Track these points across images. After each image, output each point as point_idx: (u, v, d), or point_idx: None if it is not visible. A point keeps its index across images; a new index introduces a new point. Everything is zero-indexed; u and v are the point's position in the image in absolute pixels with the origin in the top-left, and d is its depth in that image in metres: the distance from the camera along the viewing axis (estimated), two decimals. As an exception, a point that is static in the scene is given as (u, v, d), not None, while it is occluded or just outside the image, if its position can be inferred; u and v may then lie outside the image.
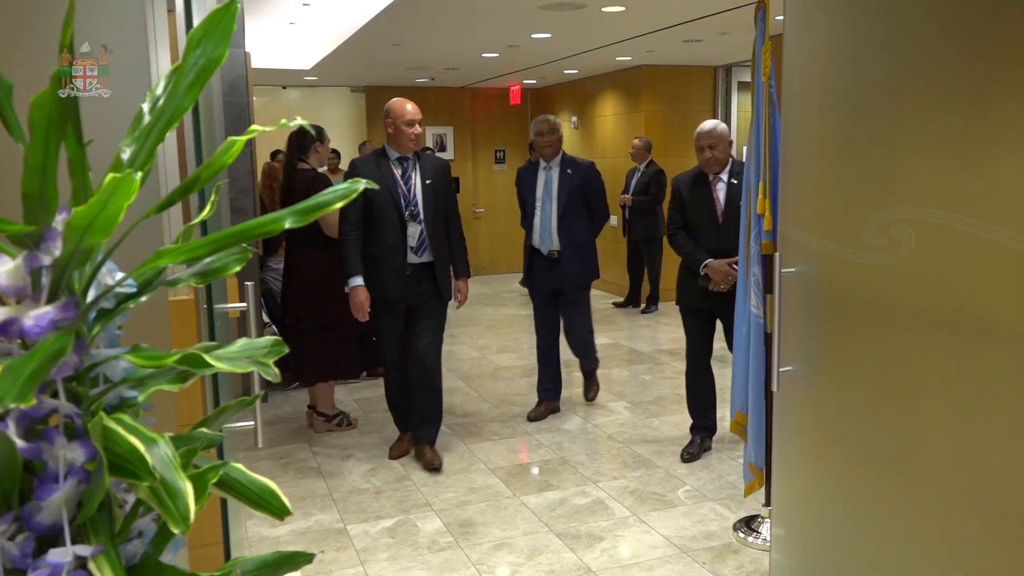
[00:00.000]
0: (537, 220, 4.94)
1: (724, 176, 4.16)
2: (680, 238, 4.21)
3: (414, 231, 4.14)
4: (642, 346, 7.06)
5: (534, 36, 7.42)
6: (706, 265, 4.06)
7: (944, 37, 2.20)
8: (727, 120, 9.59)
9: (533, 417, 5.10)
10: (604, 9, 6.01)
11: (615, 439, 4.75)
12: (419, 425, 4.36)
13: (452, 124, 11.83)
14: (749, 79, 3.76)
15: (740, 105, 9.59)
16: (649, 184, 8.27)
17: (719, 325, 4.33)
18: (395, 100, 4.25)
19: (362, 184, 0.99)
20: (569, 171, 4.90)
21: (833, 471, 2.66)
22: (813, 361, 2.67)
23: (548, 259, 4.93)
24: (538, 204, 4.93)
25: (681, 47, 8.03)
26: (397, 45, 7.96)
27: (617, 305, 8.99)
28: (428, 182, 4.19)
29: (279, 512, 0.99)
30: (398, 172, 4.19)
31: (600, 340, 7.61)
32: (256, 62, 6.38)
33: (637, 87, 9.61)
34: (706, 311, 4.25)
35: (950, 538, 2.29)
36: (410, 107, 4.20)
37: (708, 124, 4.22)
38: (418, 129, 4.17)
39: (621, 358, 6.59)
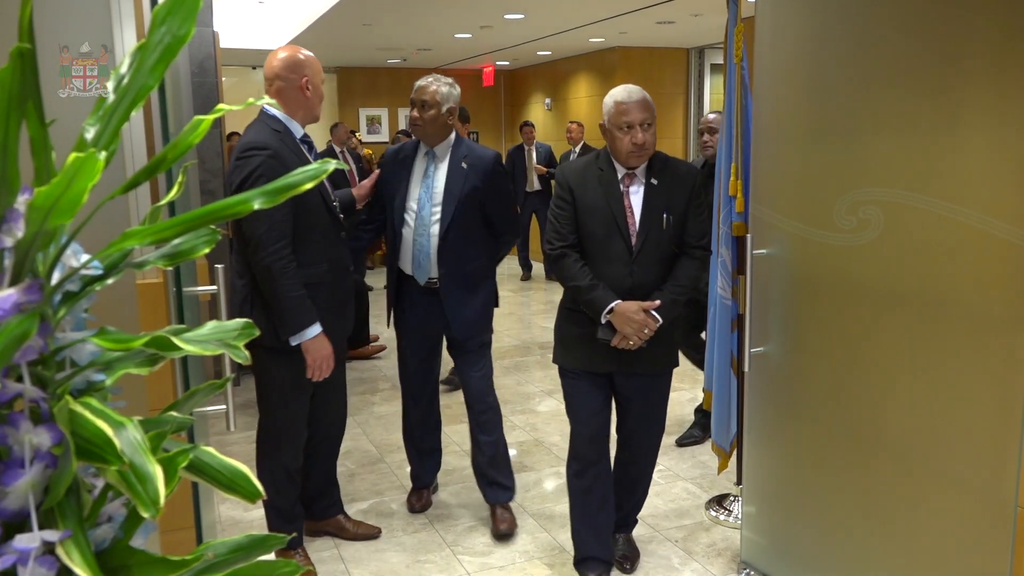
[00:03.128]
0: (408, 232, 3.23)
1: (640, 174, 2.72)
2: (569, 262, 2.67)
3: (344, 240, 3.04)
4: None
5: (507, 17, 7.37)
6: (611, 311, 2.60)
7: (909, 23, 2.22)
8: (699, 102, 9.62)
9: (418, 508, 3.59)
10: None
11: (589, 420, 4.78)
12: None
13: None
14: (722, 61, 3.75)
15: (713, 87, 9.62)
16: None
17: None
18: (302, 50, 2.87)
19: (332, 164, 0.98)
20: (464, 165, 3.21)
21: (803, 449, 2.70)
22: (783, 341, 2.70)
23: (427, 291, 3.27)
24: (410, 207, 3.22)
25: (654, 29, 8.03)
26: (368, 25, 7.88)
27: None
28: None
29: (251, 495, 0.98)
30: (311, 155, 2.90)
31: (574, 322, 7.65)
32: (225, 42, 6.28)
33: (611, 69, 9.61)
34: (602, 376, 2.81)
35: (914, 508, 2.34)
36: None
37: (628, 91, 2.71)
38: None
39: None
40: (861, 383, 2.45)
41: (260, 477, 2.92)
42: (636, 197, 2.71)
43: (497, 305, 3.44)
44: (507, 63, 11.50)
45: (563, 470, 4.00)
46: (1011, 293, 2.03)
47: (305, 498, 3.19)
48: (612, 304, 2.62)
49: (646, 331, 2.63)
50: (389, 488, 3.85)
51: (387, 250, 3.42)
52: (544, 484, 3.89)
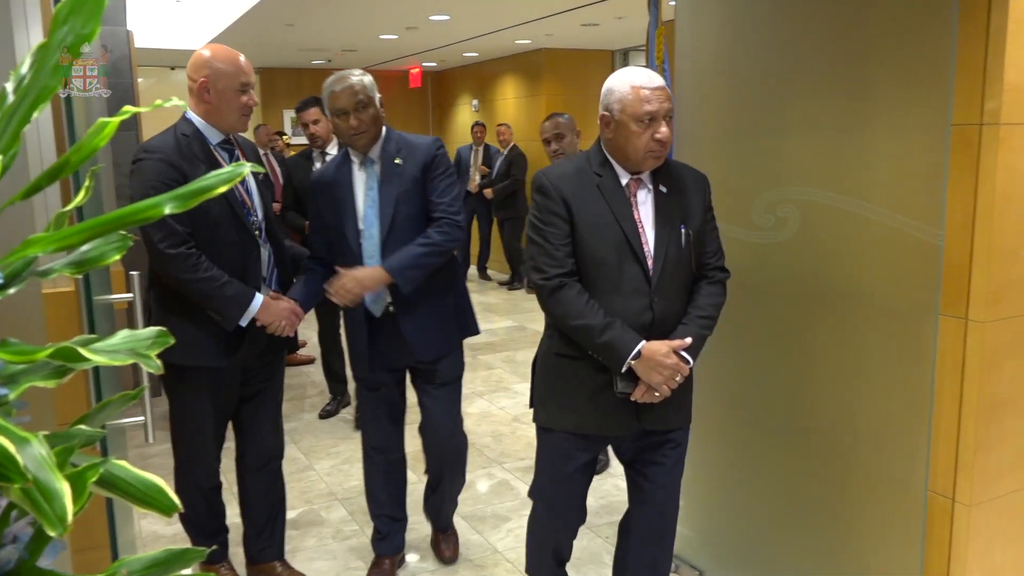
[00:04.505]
0: (371, 264, 2.74)
1: (647, 180, 2.16)
2: (571, 296, 2.08)
3: (264, 254, 2.66)
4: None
5: (433, 18, 7.35)
6: (637, 355, 2.06)
7: (822, 28, 2.29)
8: (625, 104, 9.75)
9: None
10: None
11: (520, 420, 4.79)
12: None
13: (351, 107, 11.59)
14: (645, 63, 3.81)
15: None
16: (511, 167, 8.64)
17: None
18: (217, 48, 2.56)
19: (247, 166, 0.95)
20: (399, 160, 2.75)
21: (729, 443, 2.77)
22: (713, 340, 2.76)
23: (385, 322, 2.82)
24: (363, 227, 2.75)
25: (579, 31, 8.11)
26: (291, 25, 7.74)
27: (503, 284, 9.12)
28: (260, 176, 2.76)
29: (167, 509, 0.96)
30: (227, 164, 2.59)
31: (504, 323, 7.70)
32: (141, 41, 6.09)
33: (537, 70, 9.66)
34: (598, 441, 2.28)
35: (835, 497, 2.42)
36: (243, 61, 2.57)
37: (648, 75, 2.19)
38: (253, 100, 2.60)
39: (525, 339, 6.63)
40: (782, 377, 2.52)
41: (176, 491, 2.79)
42: (646, 209, 2.13)
43: (476, 332, 3.00)
44: (434, 64, 11.45)
45: (494, 471, 4.02)
46: (920, 287, 2.11)
47: (243, 536, 2.98)
48: (638, 347, 2.06)
49: (678, 378, 2.09)
50: (318, 496, 3.79)
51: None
52: (477, 486, 3.88)
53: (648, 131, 2.05)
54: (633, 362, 2.05)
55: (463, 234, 2.83)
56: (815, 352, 2.41)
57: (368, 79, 2.76)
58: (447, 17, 7.30)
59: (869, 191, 2.20)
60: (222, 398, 2.70)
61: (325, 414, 4.87)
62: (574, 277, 2.11)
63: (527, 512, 3.53)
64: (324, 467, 4.13)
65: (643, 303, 2.10)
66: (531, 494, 2.46)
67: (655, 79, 2.08)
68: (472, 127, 9.28)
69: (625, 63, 9.71)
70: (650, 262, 2.11)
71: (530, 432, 4.55)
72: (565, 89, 9.52)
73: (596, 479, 3.87)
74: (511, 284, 9.04)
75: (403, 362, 2.90)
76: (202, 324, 2.55)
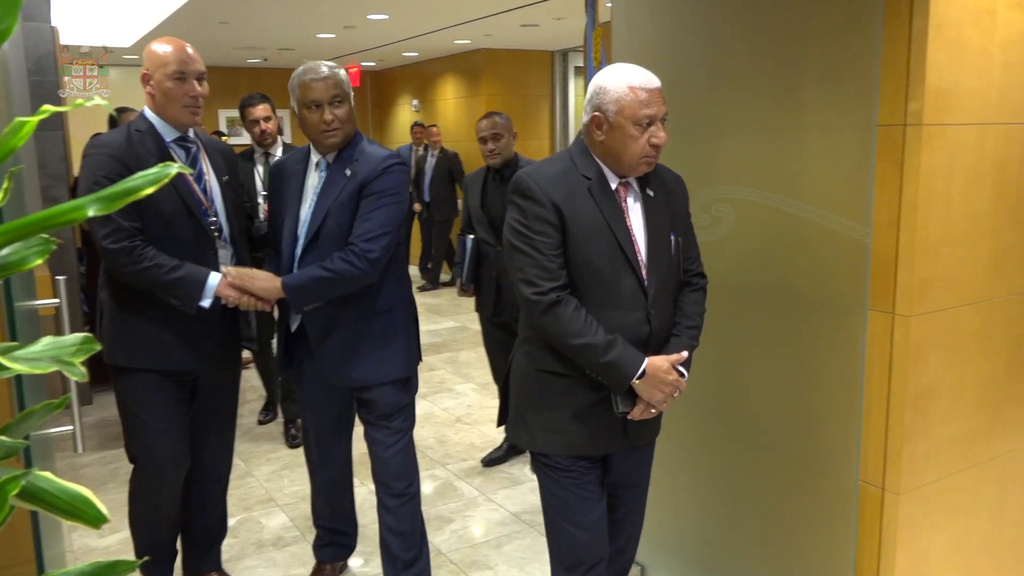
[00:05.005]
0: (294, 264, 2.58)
1: (634, 184, 2.04)
2: (568, 312, 1.92)
3: (224, 255, 2.56)
4: (489, 328, 7.12)
5: (371, 17, 7.29)
6: (642, 373, 1.94)
7: (753, 29, 2.34)
8: (564, 104, 9.82)
9: None
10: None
11: (463, 421, 4.79)
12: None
13: (288, 108, 11.43)
14: (583, 64, 3.84)
15: (577, 90, 9.84)
16: (451, 170, 8.60)
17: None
18: (161, 39, 2.45)
19: (174, 167, 0.93)
20: (348, 171, 2.50)
21: (669, 437, 2.80)
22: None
23: (304, 338, 2.63)
24: (300, 233, 2.55)
25: (519, 31, 8.14)
26: (225, 23, 7.59)
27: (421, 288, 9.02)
28: (225, 179, 2.60)
29: (94, 520, 0.93)
30: (183, 161, 2.50)
31: (446, 324, 7.67)
32: (67, 38, 5.89)
33: (477, 70, 9.66)
34: (597, 460, 2.11)
35: (771, 489, 2.47)
36: (190, 51, 2.44)
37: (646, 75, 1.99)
38: (201, 90, 2.46)
39: (468, 340, 6.62)
40: (717, 372, 2.57)
41: (131, 515, 2.64)
42: (635, 215, 2.01)
43: (419, 358, 2.73)
44: (373, 64, 11.36)
45: (438, 472, 4.00)
46: (850, 283, 2.18)
47: (181, 545, 2.84)
48: (643, 365, 1.94)
49: (676, 394, 2.02)
50: (258, 503, 3.72)
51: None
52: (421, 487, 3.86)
53: (645, 135, 1.92)
54: (637, 381, 1.94)
55: (372, 269, 2.44)
56: (749, 347, 2.46)
57: (344, 73, 2.54)
58: (385, 16, 7.25)
59: (800, 190, 2.26)
60: (180, 407, 2.54)
61: (262, 421, 4.77)
62: (568, 290, 1.93)
63: (471, 513, 3.55)
64: (263, 473, 4.06)
65: (640, 316, 1.99)
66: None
67: (653, 79, 1.95)
68: (411, 127, 9.24)
69: (565, 64, 9.77)
70: (644, 272, 1.98)
71: (473, 433, 4.55)
72: (505, 89, 9.55)
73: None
74: (423, 286, 9.02)
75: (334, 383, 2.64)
76: (156, 325, 2.44)
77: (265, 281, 2.47)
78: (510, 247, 1.97)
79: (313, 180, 2.55)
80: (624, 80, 1.93)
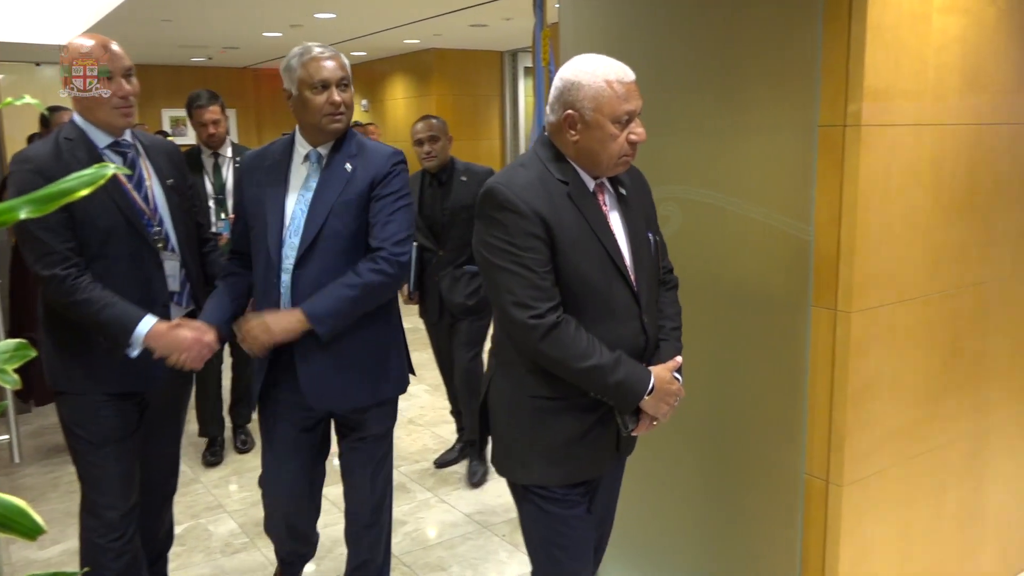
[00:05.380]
0: (287, 276, 2.28)
1: (607, 183, 1.91)
2: (570, 333, 1.76)
3: (172, 267, 2.35)
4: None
5: (318, 16, 7.21)
6: (651, 389, 1.83)
7: (699, 31, 2.37)
8: (514, 104, 9.84)
9: None
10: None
11: (416, 423, 4.76)
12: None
13: (235, 107, 11.27)
14: (532, 64, 3.84)
15: (526, 90, 9.87)
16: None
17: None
18: (83, 35, 2.27)
19: (111, 168, 0.90)
20: (349, 166, 2.27)
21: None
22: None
23: (279, 360, 2.34)
24: (287, 235, 2.28)
25: (468, 31, 8.13)
26: (168, 21, 7.44)
27: None
28: (170, 182, 2.39)
29: (30, 532, 0.90)
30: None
31: (399, 325, 7.58)
32: (0, 34, 5.70)
33: (427, 70, 9.63)
34: (581, 486, 1.96)
35: (719, 484, 2.51)
36: (115, 47, 2.23)
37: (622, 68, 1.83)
38: (131, 87, 2.25)
39: (419, 341, 6.58)
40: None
41: (82, 542, 2.41)
42: (615, 218, 1.88)
43: (411, 372, 2.55)
44: (321, 63, 11.23)
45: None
46: (793, 279, 2.22)
47: None
48: (652, 381, 1.82)
49: (676, 403, 1.91)
50: (206, 510, 3.65)
51: (257, 304, 2.37)
52: (372, 491, 3.83)
53: (625, 132, 1.78)
54: (647, 397, 1.81)
55: (403, 275, 2.29)
56: (696, 344, 2.50)
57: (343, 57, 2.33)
58: (332, 16, 7.18)
59: (745, 189, 2.30)
60: (126, 427, 2.34)
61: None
62: (562, 309, 1.77)
63: (423, 515, 3.53)
64: (211, 479, 3.98)
65: (635, 326, 1.86)
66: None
67: (628, 71, 1.80)
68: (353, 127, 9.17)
69: (514, 64, 9.79)
70: (632, 277, 1.86)
71: (426, 434, 4.53)
72: (455, 89, 9.53)
73: (493, 479, 3.88)
74: None
75: (318, 407, 2.39)
76: (99, 347, 2.24)
77: (286, 320, 2.18)
78: (491, 268, 1.76)
79: (300, 173, 2.28)
80: (600, 74, 1.76)
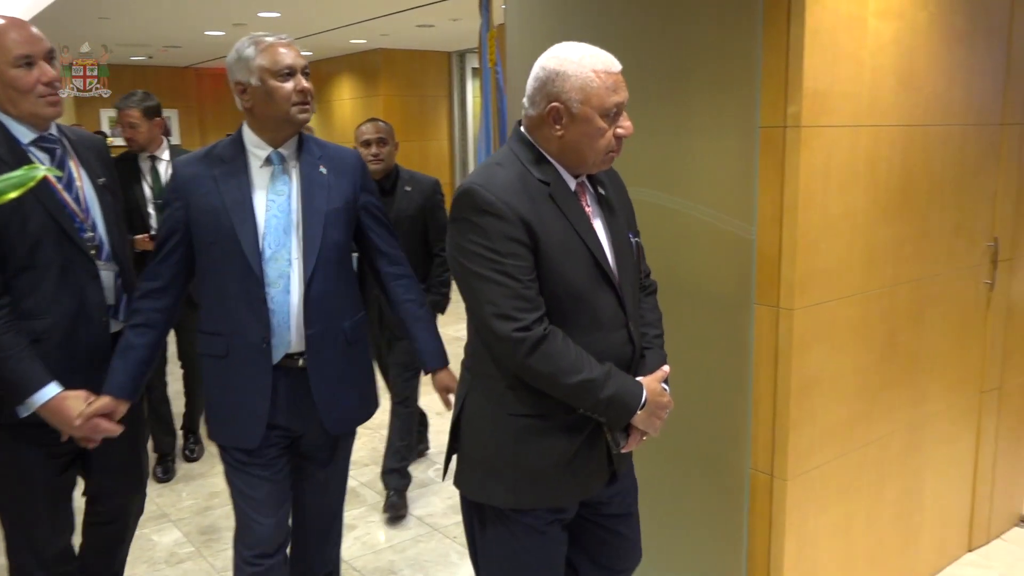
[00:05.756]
0: (255, 286, 2.02)
1: (586, 181, 1.78)
2: (558, 344, 1.62)
3: (108, 278, 2.10)
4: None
5: (261, 15, 7.10)
6: (644, 403, 1.70)
7: (644, 35, 2.40)
8: (463, 105, 9.83)
9: None
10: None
11: (365, 426, 4.70)
12: None
13: (177, 107, 11.05)
14: (478, 65, 3.82)
15: (475, 91, 9.86)
16: None
17: None
18: None
19: (41, 170, 0.87)
20: (323, 169, 2.10)
21: (568, 436, 2.84)
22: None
23: (289, 374, 2.07)
24: (266, 243, 2.02)
25: (415, 32, 8.09)
26: (106, 19, 7.25)
27: None
28: (101, 181, 2.16)
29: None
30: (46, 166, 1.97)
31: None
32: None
33: (374, 71, 9.56)
34: (565, 512, 1.82)
35: (666, 482, 2.54)
36: (34, 30, 1.98)
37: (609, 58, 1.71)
38: (55, 72, 1.98)
39: (369, 344, 6.55)
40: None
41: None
42: (597, 220, 1.75)
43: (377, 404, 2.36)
44: (265, 63, 11.07)
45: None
46: (736, 279, 2.26)
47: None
48: (645, 394, 1.70)
49: (666, 415, 1.78)
50: (149, 519, 3.57)
51: (203, 321, 2.10)
52: (321, 495, 3.79)
53: (613, 127, 1.66)
54: (639, 412, 1.69)
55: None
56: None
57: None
58: (277, 15, 7.08)
59: (690, 190, 2.33)
60: (58, 465, 2.08)
61: (189, 458, 4.23)
62: (547, 320, 1.63)
63: (373, 519, 3.50)
64: (155, 488, 3.89)
65: (623, 335, 1.73)
66: None
67: (615, 61, 1.66)
68: None
69: (462, 65, 9.77)
70: (617, 283, 1.72)
71: (375, 437, 4.49)
72: (403, 90, 9.48)
73: (444, 482, 3.86)
74: None
75: (302, 431, 2.14)
76: (65, 376, 1.98)
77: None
78: (469, 276, 1.62)
79: (263, 179, 2.02)
80: (587, 63, 1.62)
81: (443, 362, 2.24)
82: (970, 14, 2.56)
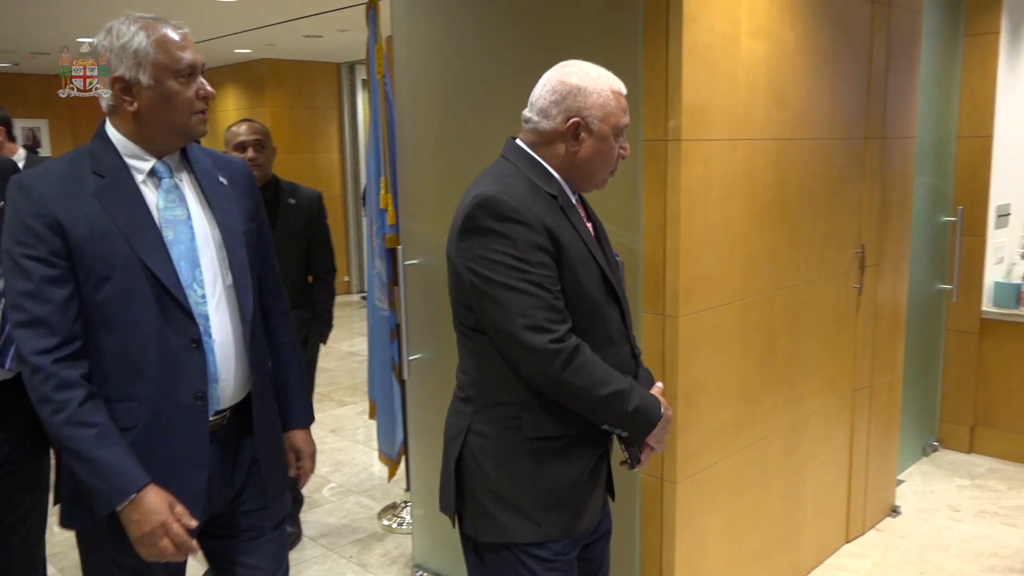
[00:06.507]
0: (171, 332, 1.59)
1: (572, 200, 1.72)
2: (589, 357, 1.57)
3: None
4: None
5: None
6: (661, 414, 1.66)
7: (526, 50, 2.43)
8: (353, 116, 9.71)
9: None
10: (215, -2, 5.72)
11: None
12: None
13: (46, 117, 10.45)
14: (366, 77, 3.78)
15: (364, 102, 9.76)
16: None
17: None
18: None
19: None
20: (223, 178, 1.75)
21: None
22: (439, 347, 2.81)
23: (216, 436, 1.66)
24: (195, 280, 1.61)
25: (303, 42, 7.95)
26: (-36, 23, 6.80)
27: None
28: None
29: None
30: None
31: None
32: None
33: (260, 81, 9.32)
34: (580, 541, 1.73)
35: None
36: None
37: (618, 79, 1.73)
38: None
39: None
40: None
41: None
42: (591, 236, 1.70)
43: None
44: (144, 72, 10.63)
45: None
46: (628, 288, 2.31)
47: None
48: (663, 405, 1.66)
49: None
50: (21, 555, 3.34)
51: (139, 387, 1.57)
52: (209, 521, 3.64)
53: (617, 145, 1.66)
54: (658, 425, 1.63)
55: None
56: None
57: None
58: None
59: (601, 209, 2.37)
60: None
61: None
62: (575, 332, 1.57)
63: (309, 553, 3.39)
64: (26, 522, 3.64)
65: (628, 349, 1.70)
66: None
67: (622, 83, 1.68)
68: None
69: (352, 76, 9.65)
70: (620, 296, 1.70)
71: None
72: (291, 101, 9.27)
73: (336, 499, 3.79)
74: None
75: (222, 508, 1.72)
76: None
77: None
78: (495, 287, 1.52)
79: (150, 196, 1.60)
80: (605, 82, 1.63)
81: (312, 419, 1.93)
82: (834, 35, 2.72)
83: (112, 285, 1.52)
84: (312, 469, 1.91)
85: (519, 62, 2.46)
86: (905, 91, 3.15)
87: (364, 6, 3.32)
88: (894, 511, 3.51)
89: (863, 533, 3.32)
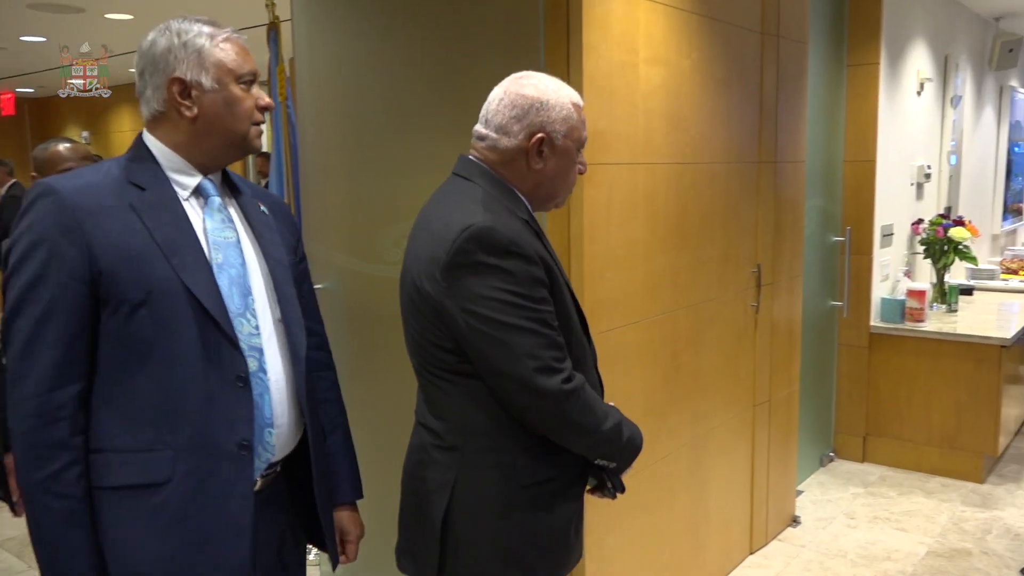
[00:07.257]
0: (216, 375, 1.36)
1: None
2: (589, 393, 1.48)
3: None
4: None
5: (24, 39, 6.52)
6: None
7: (430, 73, 2.45)
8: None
9: None
10: (108, 16, 5.53)
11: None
12: None
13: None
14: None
15: (267, 125, 9.59)
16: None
17: None
18: None
19: None
20: (263, 207, 1.58)
21: (374, 465, 2.79)
22: (346, 372, 2.76)
23: (262, 493, 1.46)
24: (246, 309, 1.41)
25: (202, 62, 7.75)
26: None
27: None
28: None
29: None
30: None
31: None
32: None
33: (157, 102, 9.03)
34: None
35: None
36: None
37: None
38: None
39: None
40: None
41: None
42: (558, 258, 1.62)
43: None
44: (31, 90, 10.15)
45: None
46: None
47: None
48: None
49: None
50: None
51: (104, 435, 1.32)
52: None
53: (578, 161, 1.57)
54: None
55: None
56: (447, 377, 2.54)
57: None
58: (43, 39, 6.53)
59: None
60: None
61: None
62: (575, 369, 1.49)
63: None
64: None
65: (596, 375, 1.62)
66: None
67: (579, 95, 1.59)
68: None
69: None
70: (585, 321, 1.62)
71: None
72: (190, 122, 9.02)
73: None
74: None
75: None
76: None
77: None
78: (497, 328, 1.38)
79: (196, 219, 1.40)
80: (565, 94, 1.52)
81: (360, 494, 1.71)
82: (727, 64, 2.84)
83: (146, 313, 1.29)
84: (355, 558, 1.66)
85: (425, 87, 2.46)
86: (794, 118, 3.31)
87: (264, 27, 3.27)
88: (794, 521, 3.63)
89: (766, 544, 3.43)
